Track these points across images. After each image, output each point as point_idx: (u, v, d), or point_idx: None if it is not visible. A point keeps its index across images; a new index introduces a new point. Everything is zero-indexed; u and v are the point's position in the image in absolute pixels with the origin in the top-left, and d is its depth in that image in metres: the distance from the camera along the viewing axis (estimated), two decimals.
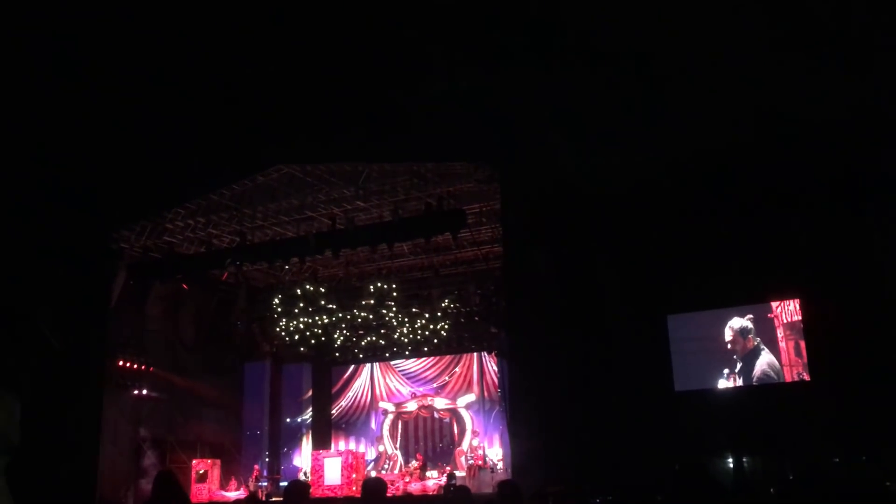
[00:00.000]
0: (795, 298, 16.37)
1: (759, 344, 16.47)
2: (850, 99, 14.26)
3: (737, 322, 16.67)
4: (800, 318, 16.27)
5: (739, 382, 16.47)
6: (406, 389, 27.72)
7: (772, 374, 16.28)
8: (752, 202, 15.99)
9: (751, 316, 16.58)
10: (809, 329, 16.01)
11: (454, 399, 26.77)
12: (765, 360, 16.39)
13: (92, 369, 20.28)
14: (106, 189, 18.95)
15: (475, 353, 26.38)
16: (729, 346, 16.63)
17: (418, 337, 25.00)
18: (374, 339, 25.70)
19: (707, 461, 15.98)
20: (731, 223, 16.04)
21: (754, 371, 16.38)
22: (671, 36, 13.47)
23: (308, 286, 23.64)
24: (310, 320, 24.31)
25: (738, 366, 16.53)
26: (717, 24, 13.02)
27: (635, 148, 15.51)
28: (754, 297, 16.63)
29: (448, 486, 19.86)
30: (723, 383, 16.59)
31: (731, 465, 16.30)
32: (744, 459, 16.36)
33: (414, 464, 25.10)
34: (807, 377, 16.06)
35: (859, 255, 15.33)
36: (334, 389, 28.84)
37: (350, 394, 28.60)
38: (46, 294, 19.93)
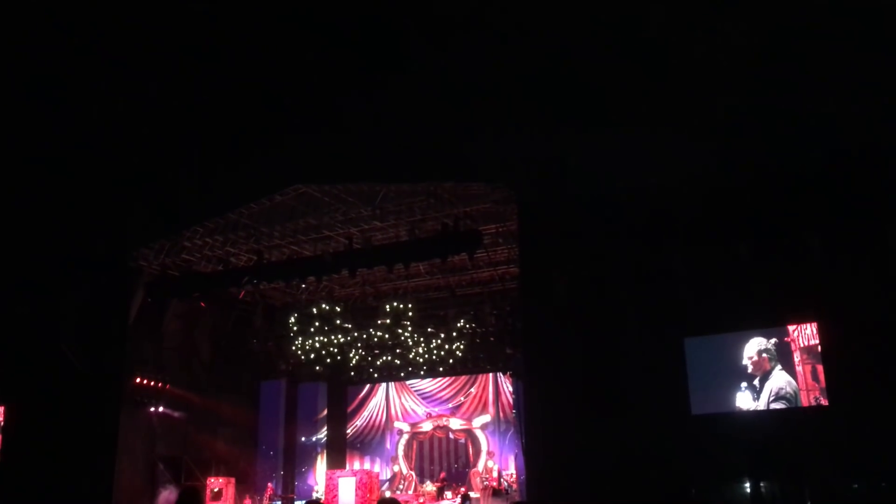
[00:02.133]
0: (813, 322, 16.24)
1: (774, 364, 16.36)
2: (870, 119, 14.21)
3: (758, 343, 16.55)
4: (817, 341, 16.13)
5: (757, 401, 16.33)
6: (421, 409, 27.67)
7: (789, 391, 16.14)
8: (771, 224, 15.91)
9: (775, 340, 16.47)
10: (828, 352, 15.86)
11: (469, 420, 26.69)
12: (782, 378, 16.26)
13: (110, 386, 20.40)
14: (125, 207, 19.14)
15: (491, 374, 26.32)
16: (749, 366, 16.51)
17: (434, 357, 24.98)
18: (389, 358, 25.70)
19: (723, 485, 15.85)
20: (749, 245, 15.96)
21: (771, 390, 16.26)
22: (691, 55, 13.50)
23: (324, 305, 23.70)
24: (326, 339, 24.36)
25: (756, 386, 16.42)
26: (738, 47, 13.04)
27: (653, 170, 15.50)
28: (773, 321, 16.50)
29: None
30: (741, 397, 16.42)
31: (749, 490, 16.13)
32: (761, 484, 16.18)
33: (429, 486, 25.01)
34: (824, 402, 15.89)
35: (878, 278, 15.19)
36: (349, 409, 28.83)
37: (365, 413, 28.58)
38: (66, 311, 20.13)
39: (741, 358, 16.59)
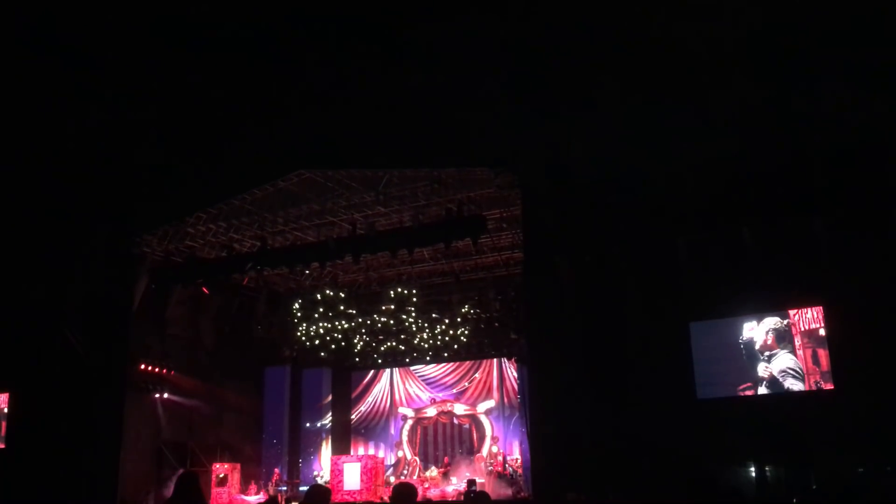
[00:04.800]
0: (818, 306, 16.21)
1: (781, 344, 16.37)
2: (875, 105, 14.13)
3: (771, 321, 16.55)
4: (818, 325, 16.12)
5: (765, 383, 16.34)
6: (425, 395, 27.67)
7: (797, 371, 16.14)
8: (776, 208, 15.85)
9: (777, 319, 16.48)
10: (833, 337, 15.84)
11: (474, 405, 26.70)
12: (789, 358, 16.26)
13: (114, 373, 20.44)
14: (129, 194, 19.13)
15: (495, 359, 26.29)
16: (759, 344, 16.50)
17: (438, 342, 24.96)
18: (393, 344, 25.67)
19: (728, 470, 15.86)
20: (754, 229, 15.91)
21: (779, 369, 16.25)
22: (697, 43, 13.41)
23: (328, 291, 23.68)
24: (330, 325, 24.35)
25: (764, 365, 16.42)
26: (745, 32, 12.95)
27: (658, 155, 15.44)
28: (779, 305, 16.48)
29: (468, 492, 19.79)
30: (760, 367, 16.39)
31: (754, 474, 16.14)
32: (766, 468, 16.20)
33: (433, 471, 25.04)
34: (824, 385, 15.89)
35: (884, 262, 15.15)
36: (354, 394, 28.85)
37: (369, 399, 28.60)
38: (70, 298, 20.15)
39: (758, 333, 16.59)
